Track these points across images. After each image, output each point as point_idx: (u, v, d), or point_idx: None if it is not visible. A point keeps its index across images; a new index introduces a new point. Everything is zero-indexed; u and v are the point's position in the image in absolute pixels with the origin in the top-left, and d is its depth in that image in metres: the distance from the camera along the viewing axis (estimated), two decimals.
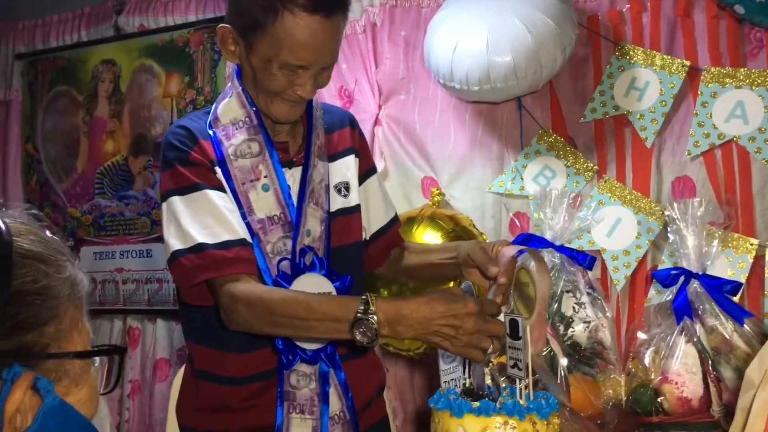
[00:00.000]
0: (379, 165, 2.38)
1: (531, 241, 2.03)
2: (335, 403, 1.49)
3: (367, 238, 1.67)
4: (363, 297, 1.29)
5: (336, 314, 1.31)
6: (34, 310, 0.76)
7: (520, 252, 1.37)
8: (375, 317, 1.27)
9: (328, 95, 2.48)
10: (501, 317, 1.30)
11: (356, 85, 2.49)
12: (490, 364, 1.65)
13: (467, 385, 1.32)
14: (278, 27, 1.37)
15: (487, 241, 2.24)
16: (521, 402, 1.18)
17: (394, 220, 1.72)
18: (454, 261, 1.56)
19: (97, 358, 0.83)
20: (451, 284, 2.02)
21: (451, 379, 1.38)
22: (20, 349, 0.74)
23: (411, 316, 1.27)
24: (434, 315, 1.26)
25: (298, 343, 1.45)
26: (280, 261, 1.46)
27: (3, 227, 0.77)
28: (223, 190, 1.46)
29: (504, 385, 1.31)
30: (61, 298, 0.79)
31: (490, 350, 1.27)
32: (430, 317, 1.26)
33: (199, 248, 1.41)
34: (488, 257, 1.45)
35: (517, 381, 1.22)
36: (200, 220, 1.43)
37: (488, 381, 1.33)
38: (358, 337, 1.28)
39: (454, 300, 1.28)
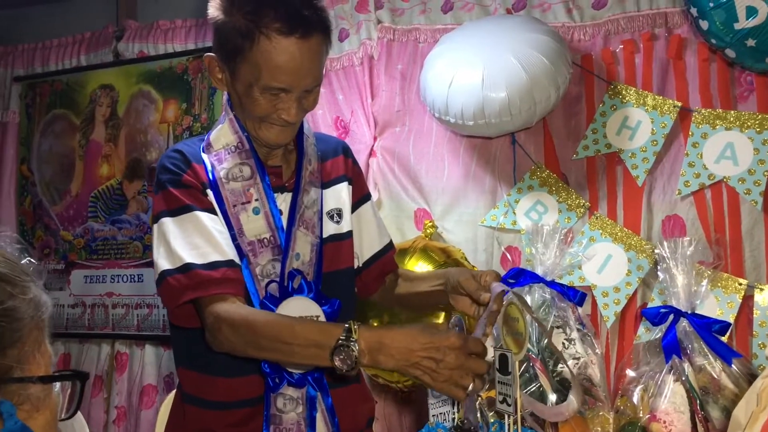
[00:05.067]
0: (373, 196, 2.38)
1: (522, 276, 2.04)
2: (321, 429, 1.47)
3: (360, 265, 1.68)
4: (346, 324, 1.28)
5: (317, 340, 1.30)
6: None
7: (506, 292, 1.38)
8: (356, 345, 1.26)
9: (324, 125, 2.51)
10: (489, 355, 1.30)
11: (352, 116, 2.51)
12: (479, 398, 1.64)
13: (456, 420, 1.32)
14: (256, 52, 1.39)
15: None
16: None
17: (389, 246, 1.73)
18: (442, 288, 1.56)
19: (58, 384, 0.82)
20: (441, 319, 2.02)
21: (440, 413, 1.38)
22: None
23: (392, 345, 1.26)
24: (415, 346, 1.25)
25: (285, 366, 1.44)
26: (268, 283, 1.46)
27: None
28: (214, 212, 1.47)
29: (492, 420, 1.31)
30: (25, 320, 0.78)
31: (470, 388, 1.24)
32: (411, 348, 1.25)
33: (187, 268, 1.41)
34: (479, 284, 1.46)
35: (506, 416, 1.23)
36: (189, 240, 1.43)
37: (477, 416, 1.32)
38: (337, 363, 1.26)
39: (437, 333, 1.26)
